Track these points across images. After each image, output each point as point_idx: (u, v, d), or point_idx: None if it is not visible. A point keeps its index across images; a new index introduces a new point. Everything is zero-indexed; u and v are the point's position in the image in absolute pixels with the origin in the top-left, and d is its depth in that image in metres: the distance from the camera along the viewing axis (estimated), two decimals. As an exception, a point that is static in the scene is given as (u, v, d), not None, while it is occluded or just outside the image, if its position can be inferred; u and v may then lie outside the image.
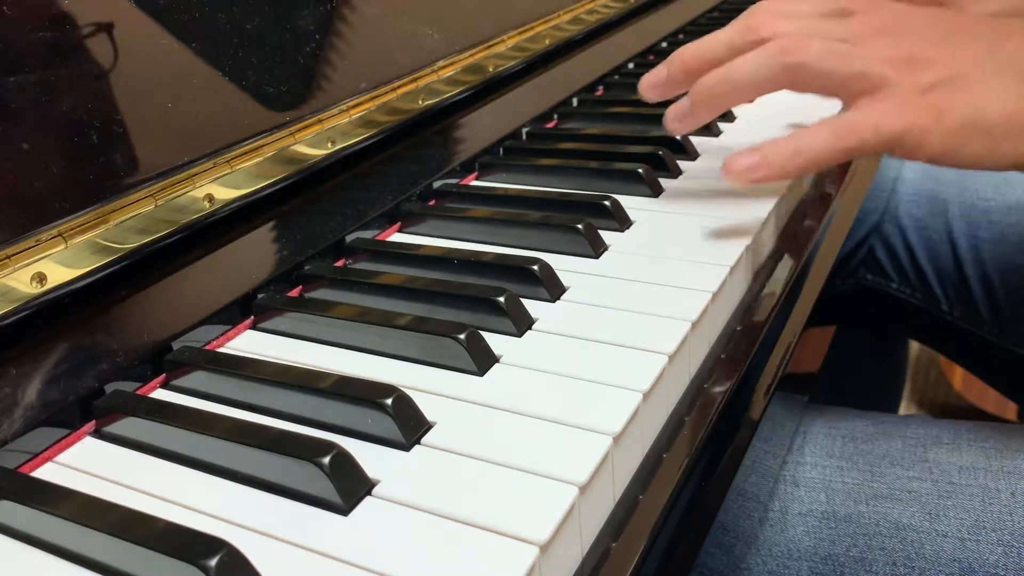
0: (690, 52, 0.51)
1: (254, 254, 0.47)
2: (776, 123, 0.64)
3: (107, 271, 0.39)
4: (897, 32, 0.46)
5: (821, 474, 0.54)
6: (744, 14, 0.52)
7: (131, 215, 0.40)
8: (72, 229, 0.38)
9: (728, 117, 0.67)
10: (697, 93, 0.50)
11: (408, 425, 0.35)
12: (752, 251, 0.49)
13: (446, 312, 0.43)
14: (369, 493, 0.32)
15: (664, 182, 0.56)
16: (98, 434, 0.38)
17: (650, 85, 0.53)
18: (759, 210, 0.51)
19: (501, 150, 0.63)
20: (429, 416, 0.36)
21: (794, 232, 0.54)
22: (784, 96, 0.54)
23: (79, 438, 0.38)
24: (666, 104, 0.54)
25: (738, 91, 0.48)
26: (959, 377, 1.51)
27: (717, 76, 0.49)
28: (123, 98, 0.41)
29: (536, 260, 0.45)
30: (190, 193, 0.43)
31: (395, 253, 0.49)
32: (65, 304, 0.38)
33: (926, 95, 0.44)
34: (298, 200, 0.49)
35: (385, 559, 0.29)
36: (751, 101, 0.49)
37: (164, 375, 0.41)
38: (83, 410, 0.38)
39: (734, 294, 0.46)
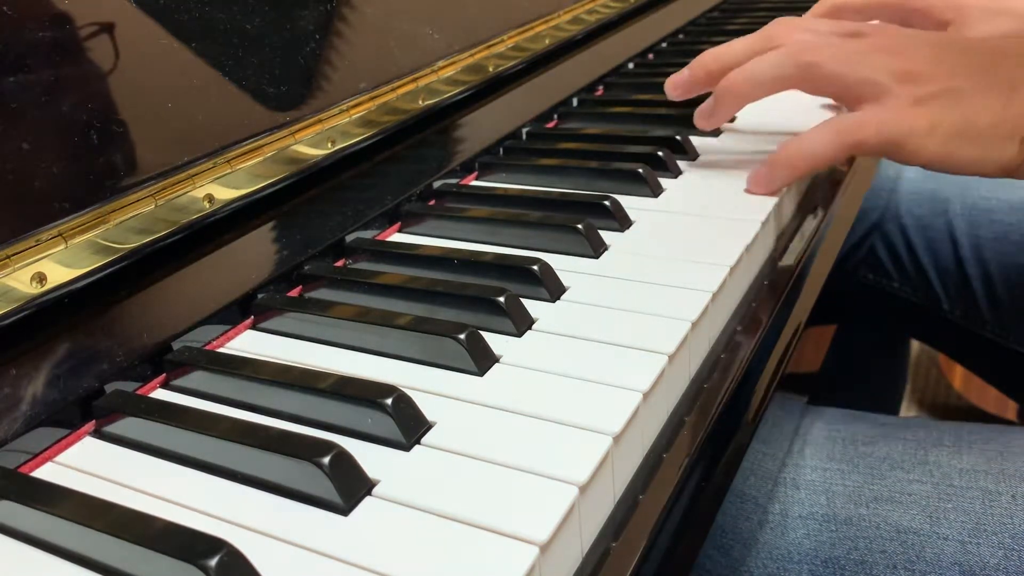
0: (711, 56, 0.57)
1: (254, 254, 0.47)
2: (771, 122, 0.64)
3: (107, 271, 0.39)
4: (901, 52, 0.51)
5: (821, 476, 0.54)
6: (765, 27, 0.58)
7: (131, 215, 0.40)
8: (72, 229, 0.38)
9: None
10: (720, 91, 0.55)
11: (408, 425, 0.35)
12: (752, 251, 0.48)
13: (446, 312, 0.43)
14: (369, 493, 0.32)
15: (664, 182, 0.56)
16: (98, 434, 0.38)
17: (673, 85, 0.60)
18: (759, 210, 0.51)
19: (501, 150, 0.63)
20: (429, 416, 0.35)
21: (793, 232, 0.54)
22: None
23: (79, 438, 0.38)
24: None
25: (757, 88, 0.54)
26: (959, 377, 1.51)
27: (738, 74, 0.54)
28: (123, 98, 0.41)
29: (536, 260, 0.45)
30: (190, 193, 0.43)
31: (395, 253, 0.49)
32: (65, 304, 0.38)
33: (923, 105, 0.48)
34: (298, 200, 0.49)
35: (385, 559, 0.29)
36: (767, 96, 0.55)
37: (164, 375, 0.41)
38: (83, 410, 0.38)
39: (734, 294, 0.46)
